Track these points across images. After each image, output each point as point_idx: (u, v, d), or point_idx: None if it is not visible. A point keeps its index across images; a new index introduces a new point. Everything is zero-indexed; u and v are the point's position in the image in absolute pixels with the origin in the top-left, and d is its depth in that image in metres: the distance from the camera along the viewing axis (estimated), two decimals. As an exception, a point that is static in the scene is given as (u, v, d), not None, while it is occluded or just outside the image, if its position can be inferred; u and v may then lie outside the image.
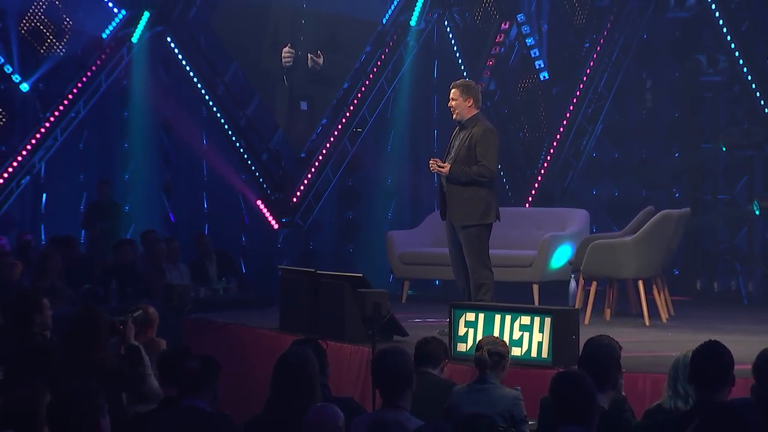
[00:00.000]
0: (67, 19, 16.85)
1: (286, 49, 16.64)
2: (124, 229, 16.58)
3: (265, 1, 16.92)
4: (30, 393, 5.52)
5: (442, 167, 9.92)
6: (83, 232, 16.50)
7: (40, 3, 16.79)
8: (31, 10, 16.78)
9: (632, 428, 6.40)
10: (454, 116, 10.11)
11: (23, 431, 5.43)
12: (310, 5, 16.71)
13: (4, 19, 16.60)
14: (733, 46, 14.95)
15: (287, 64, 16.65)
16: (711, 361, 6.05)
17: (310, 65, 16.62)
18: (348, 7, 16.62)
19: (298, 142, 16.84)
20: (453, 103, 10.08)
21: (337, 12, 16.64)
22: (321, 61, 16.63)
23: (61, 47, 16.86)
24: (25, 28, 16.75)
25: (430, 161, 10.10)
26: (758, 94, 14.80)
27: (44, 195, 17.45)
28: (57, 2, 16.81)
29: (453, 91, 10.12)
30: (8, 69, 16.61)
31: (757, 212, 15.03)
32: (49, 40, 16.89)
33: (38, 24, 16.83)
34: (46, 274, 12.59)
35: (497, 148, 10.12)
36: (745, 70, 14.90)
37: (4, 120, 16.89)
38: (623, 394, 6.85)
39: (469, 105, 10.06)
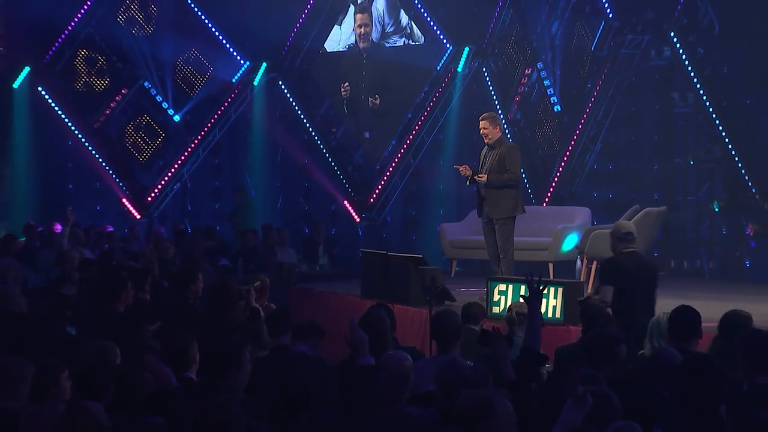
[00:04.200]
0: (207, 68, 17.01)
1: (345, 85, 16.77)
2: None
3: (350, 55, 16.97)
4: (182, 342, 5.57)
5: (481, 177, 9.90)
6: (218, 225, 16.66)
7: (188, 56, 16.97)
8: (181, 62, 16.97)
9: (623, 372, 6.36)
10: (486, 140, 10.09)
11: (176, 370, 5.47)
12: (369, 55, 16.75)
13: (161, 69, 16.79)
14: (698, 86, 14.79)
15: (345, 95, 16.77)
16: (684, 319, 6.01)
17: (370, 105, 16.75)
18: (406, 57, 16.64)
19: (374, 158, 16.90)
20: (485, 131, 10.06)
21: (390, 61, 16.66)
22: (378, 102, 16.75)
23: (202, 88, 17.03)
24: (177, 75, 16.95)
25: (460, 168, 10.06)
26: (717, 122, 14.63)
27: (189, 197, 17.64)
28: (199, 56, 16.99)
29: (483, 122, 10.11)
30: (165, 105, 16.85)
31: (717, 210, 14.88)
32: (193, 84, 17.06)
33: (186, 72, 17.02)
34: (193, 254, 12.69)
35: (520, 159, 10.14)
36: (708, 104, 14.73)
37: (162, 142, 17.10)
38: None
39: (497, 131, 10.09)
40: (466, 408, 3.92)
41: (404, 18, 16.75)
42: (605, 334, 5.80)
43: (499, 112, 15.15)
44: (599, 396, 4.38)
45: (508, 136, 15.24)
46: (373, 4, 16.81)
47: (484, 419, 3.87)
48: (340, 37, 17.00)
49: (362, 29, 16.69)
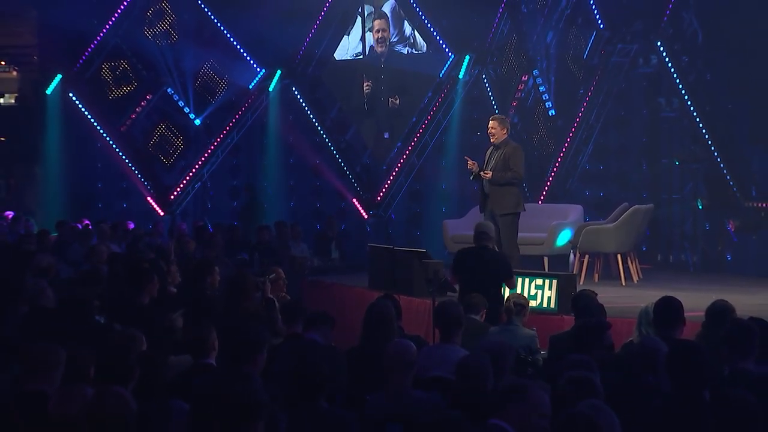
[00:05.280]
0: (225, 75, 17.03)
1: (367, 83, 16.75)
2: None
3: (368, 59, 16.97)
4: (202, 330, 5.56)
5: (486, 174, 9.80)
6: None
7: (208, 65, 16.99)
8: (202, 70, 16.99)
9: (611, 357, 6.34)
10: (492, 140, 9.98)
11: (197, 356, 5.48)
12: (386, 63, 16.76)
13: (183, 76, 16.82)
14: (683, 92, 14.77)
15: (367, 92, 16.75)
16: (667, 308, 6.00)
17: (390, 105, 16.72)
18: (411, 65, 16.67)
19: (381, 159, 16.89)
20: (493, 130, 9.94)
21: (403, 68, 16.68)
22: (398, 102, 16.72)
23: (221, 94, 17.04)
24: (198, 82, 16.96)
25: (469, 162, 9.96)
26: (701, 125, 14.61)
27: (209, 195, 17.64)
28: (219, 64, 17.00)
29: (492, 123, 10.01)
30: (186, 110, 16.85)
31: (700, 207, 14.86)
32: (213, 90, 17.08)
33: (206, 79, 17.03)
34: (212, 249, 12.67)
35: (523, 159, 10.03)
36: (692, 109, 14.71)
37: (183, 144, 17.11)
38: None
39: (504, 133, 9.97)
40: (502, 389, 3.87)
41: (408, 28, 16.77)
42: (593, 321, 5.81)
43: (501, 115, 15.12)
44: (582, 379, 4.35)
45: (507, 138, 15.21)
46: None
47: (515, 402, 3.81)
48: (348, 46, 17.01)
49: (380, 34, 16.69)
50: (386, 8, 16.82)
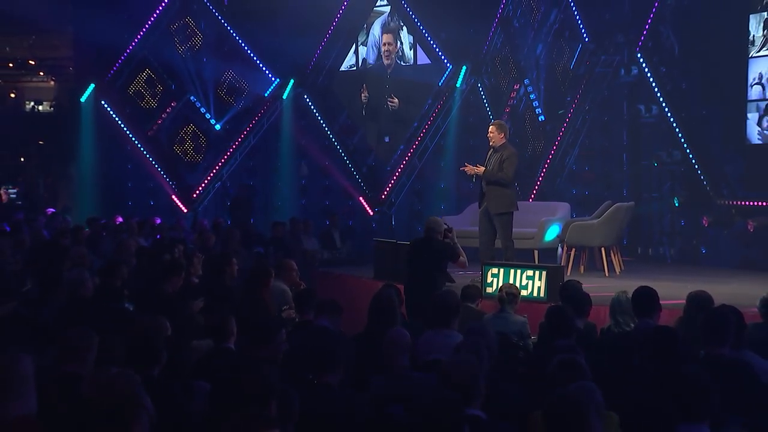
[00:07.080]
0: (243, 84, 17.03)
1: (364, 93, 16.71)
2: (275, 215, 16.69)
3: (375, 69, 16.95)
4: (221, 317, 5.57)
5: (478, 168, 9.84)
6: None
7: (227, 75, 17.00)
8: (222, 79, 17.00)
9: (596, 343, 6.35)
10: (491, 143, 9.98)
11: (217, 340, 5.48)
12: (392, 74, 16.74)
13: (205, 85, 16.83)
14: (661, 100, 14.73)
15: (365, 101, 16.66)
16: (644, 297, 6.01)
17: (390, 107, 16.73)
18: (414, 76, 16.64)
19: (385, 160, 16.88)
20: (490, 135, 9.95)
21: (408, 78, 16.66)
22: (396, 101, 16.72)
23: (239, 101, 17.05)
24: (218, 90, 16.97)
25: (467, 167, 9.95)
26: (677, 130, 14.58)
27: (228, 194, 17.64)
28: (237, 74, 17.00)
29: (491, 128, 10.01)
30: (207, 115, 16.85)
31: (677, 204, 14.84)
32: (232, 97, 17.08)
33: (226, 88, 17.04)
34: (230, 243, 12.68)
35: (515, 165, 9.97)
36: (669, 115, 14.68)
37: (205, 147, 17.12)
38: (592, 321, 6.79)
39: (501, 137, 9.95)
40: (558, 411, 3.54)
41: (396, 42, 16.76)
42: (560, 307, 5.84)
43: (492, 121, 15.11)
44: (569, 362, 4.35)
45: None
46: (371, 30, 16.81)
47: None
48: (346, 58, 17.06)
49: (386, 47, 16.69)
50: (377, 23, 16.84)
